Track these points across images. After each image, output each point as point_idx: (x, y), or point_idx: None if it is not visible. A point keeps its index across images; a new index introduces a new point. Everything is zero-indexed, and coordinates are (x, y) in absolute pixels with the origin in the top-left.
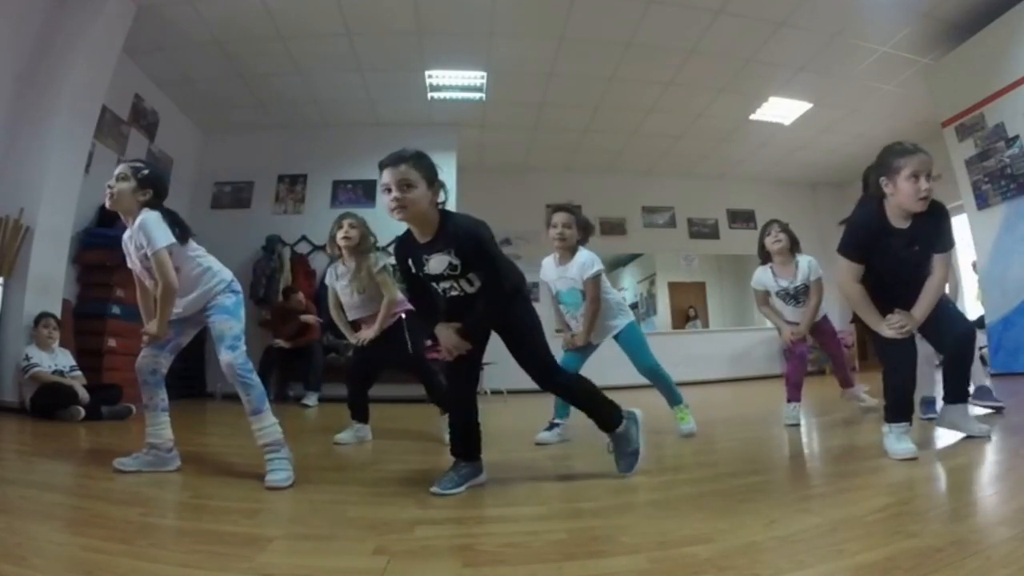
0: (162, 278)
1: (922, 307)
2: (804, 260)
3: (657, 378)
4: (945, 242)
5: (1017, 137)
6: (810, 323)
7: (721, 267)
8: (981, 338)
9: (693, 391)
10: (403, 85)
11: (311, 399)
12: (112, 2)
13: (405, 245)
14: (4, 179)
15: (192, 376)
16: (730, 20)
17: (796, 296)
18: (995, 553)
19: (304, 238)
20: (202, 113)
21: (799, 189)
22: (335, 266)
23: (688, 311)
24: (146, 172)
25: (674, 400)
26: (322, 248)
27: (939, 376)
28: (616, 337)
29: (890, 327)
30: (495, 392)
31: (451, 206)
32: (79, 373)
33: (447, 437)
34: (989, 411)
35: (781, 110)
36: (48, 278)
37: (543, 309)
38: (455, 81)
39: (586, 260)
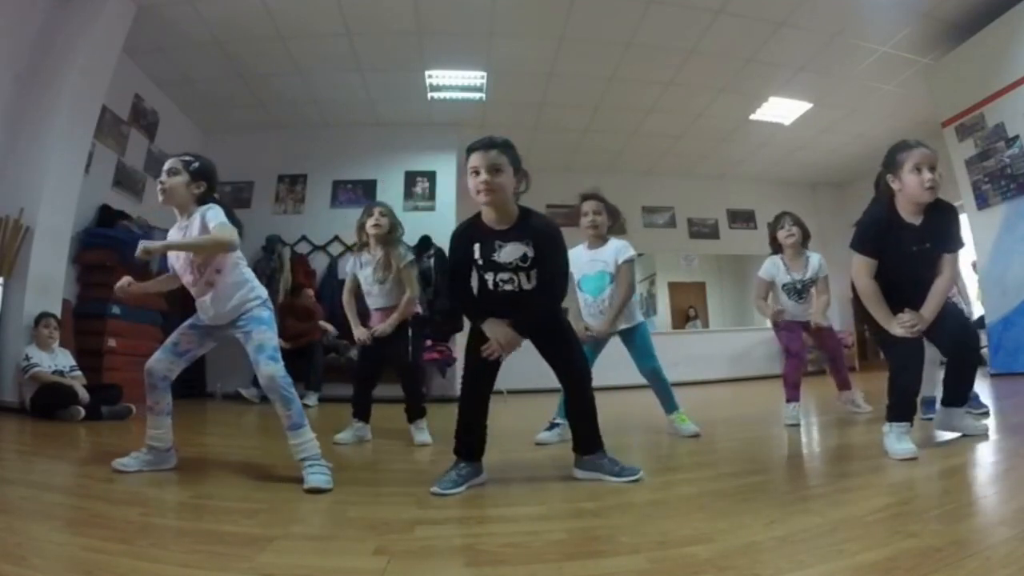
0: (219, 231)
1: (930, 307)
2: (815, 256)
3: (658, 381)
4: (956, 242)
5: (1017, 137)
6: (824, 313)
7: (721, 267)
8: (981, 338)
9: (693, 391)
10: (403, 85)
11: (311, 399)
12: (112, 2)
13: (474, 229)
14: (4, 179)
15: (192, 376)
16: (730, 20)
17: (800, 291)
18: (995, 553)
19: (304, 238)
20: (202, 113)
21: (799, 189)
22: (359, 255)
23: (688, 311)
24: (197, 165)
25: (670, 407)
26: (322, 248)
27: (939, 376)
28: (625, 335)
29: (901, 325)
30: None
31: (451, 206)
32: (79, 373)
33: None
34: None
35: (781, 110)
36: (48, 278)
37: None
38: (455, 81)
39: (621, 245)
